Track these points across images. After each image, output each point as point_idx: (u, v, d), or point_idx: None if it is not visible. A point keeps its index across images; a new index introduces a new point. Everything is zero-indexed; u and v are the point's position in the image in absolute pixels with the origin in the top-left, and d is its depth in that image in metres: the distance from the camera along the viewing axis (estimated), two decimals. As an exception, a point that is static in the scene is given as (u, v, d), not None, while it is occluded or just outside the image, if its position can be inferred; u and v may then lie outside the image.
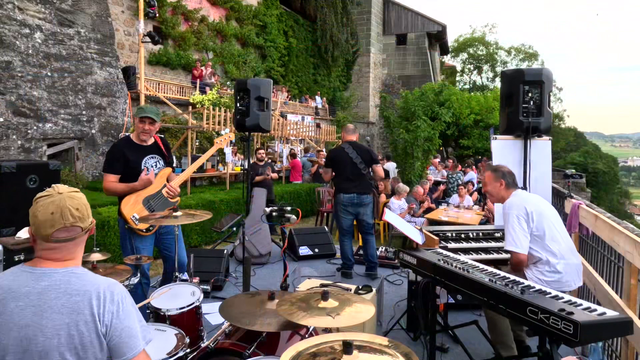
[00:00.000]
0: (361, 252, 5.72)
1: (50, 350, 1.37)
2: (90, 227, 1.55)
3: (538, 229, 2.85)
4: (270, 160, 9.90)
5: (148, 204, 3.49)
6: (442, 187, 11.30)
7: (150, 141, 3.58)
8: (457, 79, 40.13)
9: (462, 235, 3.88)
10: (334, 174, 5.33)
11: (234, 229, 6.60)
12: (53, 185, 1.53)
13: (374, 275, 5.25)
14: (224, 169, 9.95)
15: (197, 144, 10.50)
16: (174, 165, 4.36)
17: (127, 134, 9.64)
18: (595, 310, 2.04)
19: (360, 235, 5.48)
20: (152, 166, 3.55)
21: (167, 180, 3.65)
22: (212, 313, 4.00)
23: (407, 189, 8.05)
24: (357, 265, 5.53)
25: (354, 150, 5.16)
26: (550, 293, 2.28)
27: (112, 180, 3.41)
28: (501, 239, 3.83)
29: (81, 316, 1.41)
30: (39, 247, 1.49)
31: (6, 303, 1.39)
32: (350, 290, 3.43)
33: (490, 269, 2.71)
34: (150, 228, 3.52)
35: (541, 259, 2.85)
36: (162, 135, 3.89)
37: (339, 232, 5.46)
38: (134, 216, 3.40)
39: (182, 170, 6.25)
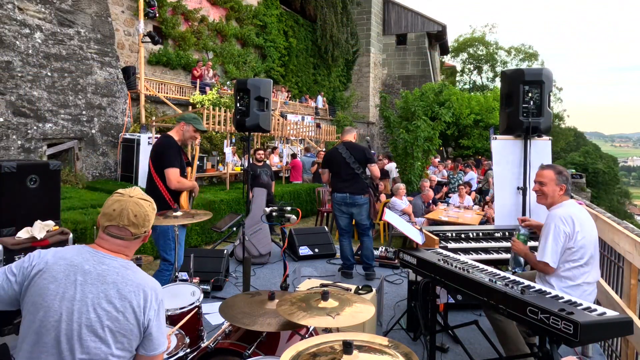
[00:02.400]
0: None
1: (96, 327, 1.53)
2: (143, 235, 1.73)
3: (578, 251, 2.75)
4: (268, 161, 9.89)
5: (190, 198, 3.91)
6: (445, 188, 11.33)
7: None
8: (457, 79, 40.10)
9: (462, 235, 3.88)
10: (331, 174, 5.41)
11: (234, 229, 6.60)
12: (134, 187, 1.78)
13: (370, 276, 5.25)
14: (224, 169, 9.95)
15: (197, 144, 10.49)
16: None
17: (132, 134, 9.66)
18: (595, 310, 2.04)
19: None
20: (185, 163, 3.89)
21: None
22: (212, 313, 4.00)
23: (403, 186, 8.06)
24: (358, 265, 5.53)
25: (347, 151, 5.19)
26: (550, 293, 2.28)
27: (179, 174, 3.68)
28: (501, 238, 3.83)
29: (130, 304, 1.58)
30: (99, 233, 1.70)
31: (69, 274, 1.57)
32: (350, 290, 3.43)
33: (490, 269, 2.71)
34: None
35: (568, 277, 2.78)
36: (154, 135, 4.06)
37: (337, 232, 5.49)
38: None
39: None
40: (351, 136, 5.38)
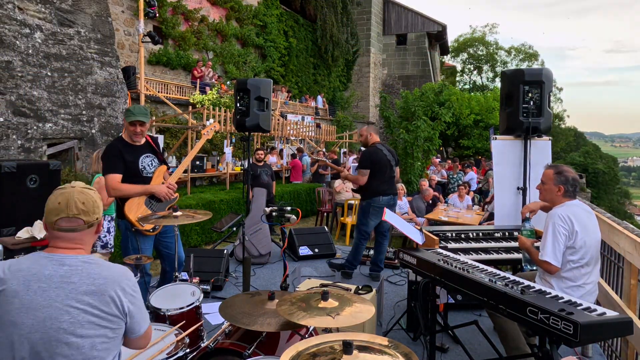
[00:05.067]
0: (365, 252, 5.70)
1: (74, 329, 1.49)
2: (95, 222, 1.65)
3: (578, 252, 2.73)
4: (268, 162, 9.89)
5: (150, 205, 3.51)
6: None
7: (143, 140, 3.60)
8: (457, 79, 40.08)
9: (462, 235, 3.88)
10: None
11: (234, 229, 6.60)
12: (73, 182, 1.69)
13: (377, 277, 5.24)
14: (224, 169, 9.95)
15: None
16: (169, 164, 4.34)
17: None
18: (595, 310, 2.04)
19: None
20: (148, 165, 3.56)
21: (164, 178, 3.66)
22: (212, 313, 4.00)
23: (402, 186, 8.07)
24: (358, 265, 5.53)
25: (389, 152, 5.13)
26: (550, 293, 2.28)
27: (118, 180, 3.38)
28: (501, 239, 3.83)
29: (104, 297, 1.54)
30: (49, 235, 1.62)
31: (29, 284, 1.50)
32: (350, 290, 3.43)
33: (490, 269, 2.71)
34: (156, 227, 3.53)
35: (569, 278, 2.77)
36: (153, 135, 3.88)
37: (360, 236, 5.15)
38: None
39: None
40: (378, 136, 5.32)
